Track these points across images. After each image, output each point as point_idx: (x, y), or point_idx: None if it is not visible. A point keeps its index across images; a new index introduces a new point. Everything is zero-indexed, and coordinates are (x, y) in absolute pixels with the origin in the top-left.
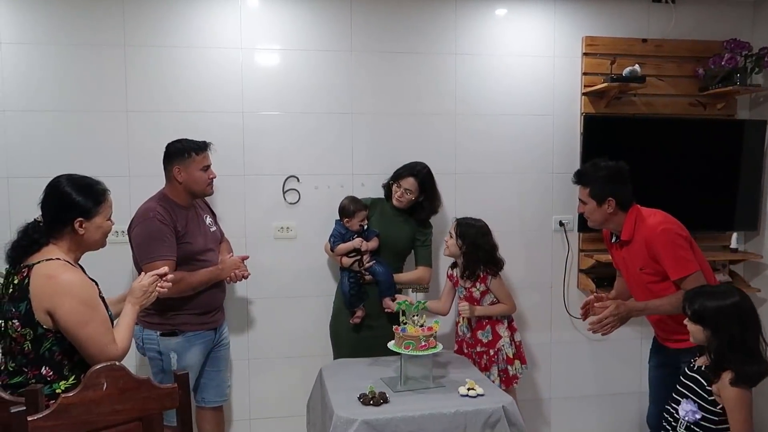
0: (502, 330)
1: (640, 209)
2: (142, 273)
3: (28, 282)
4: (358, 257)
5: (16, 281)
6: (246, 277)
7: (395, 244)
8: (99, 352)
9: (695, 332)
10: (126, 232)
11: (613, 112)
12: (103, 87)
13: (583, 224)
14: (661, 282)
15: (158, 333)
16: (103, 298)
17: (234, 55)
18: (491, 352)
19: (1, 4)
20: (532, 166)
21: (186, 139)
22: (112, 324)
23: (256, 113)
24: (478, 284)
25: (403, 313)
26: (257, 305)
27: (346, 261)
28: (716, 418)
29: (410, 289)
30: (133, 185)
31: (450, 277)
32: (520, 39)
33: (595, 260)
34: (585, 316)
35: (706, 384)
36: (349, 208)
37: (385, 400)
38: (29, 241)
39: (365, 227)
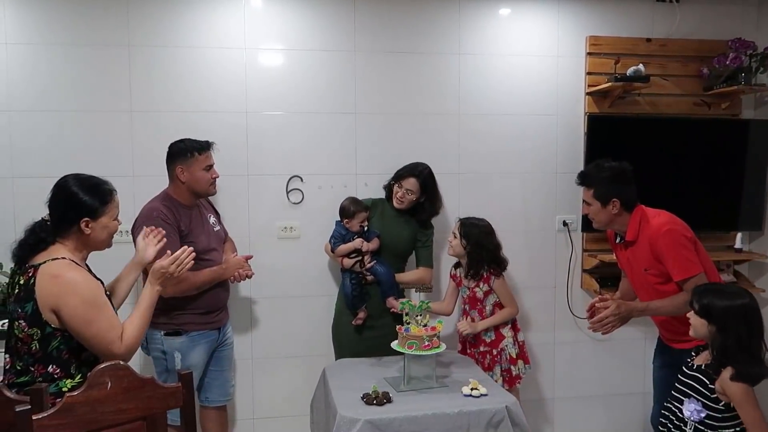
0: (506, 330)
1: (645, 210)
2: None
3: (34, 282)
4: (359, 258)
5: (21, 281)
6: (250, 277)
7: (396, 245)
8: (104, 351)
9: (698, 326)
10: (130, 232)
11: (617, 112)
12: (107, 87)
13: (586, 224)
14: (666, 283)
15: (162, 332)
16: (109, 297)
17: (238, 55)
18: (494, 351)
19: (7, 5)
20: (536, 166)
21: (188, 139)
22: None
23: (259, 113)
24: (481, 284)
25: (406, 314)
26: (261, 305)
27: (347, 262)
28: (720, 416)
29: (413, 290)
30: (137, 185)
31: (453, 277)
32: (524, 39)
33: (599, 260)
34: (591, 317)
35: (708, 383)
36: (349, 209)
37: (389, 400)
38: (36, 240)
39: (366, 228)
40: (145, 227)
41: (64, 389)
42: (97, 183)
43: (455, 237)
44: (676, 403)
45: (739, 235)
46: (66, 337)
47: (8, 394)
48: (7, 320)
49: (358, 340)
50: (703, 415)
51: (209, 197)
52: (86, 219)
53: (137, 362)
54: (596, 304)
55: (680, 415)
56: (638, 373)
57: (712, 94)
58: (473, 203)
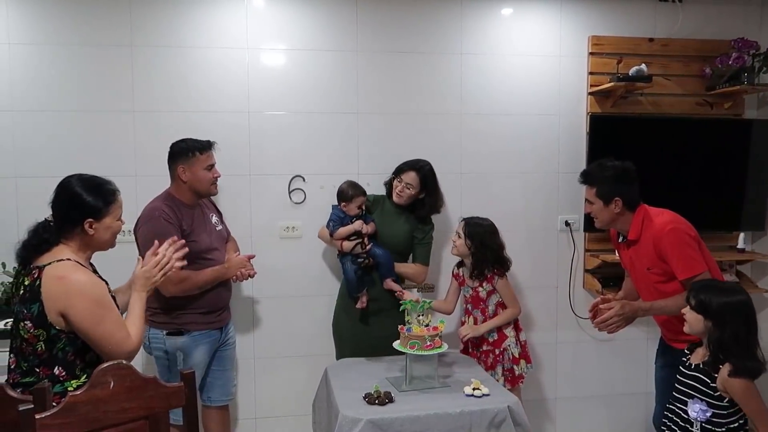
0: (508, 330)
1: (648, 209)
2: (139, 259)
3: (40, 284)
4: (360, 240)
5: (26, 282)
6: (252, 276)
7: (395, 242)
8: (116, 349)
9: (694, 322)
10: (132, 232)
11: (620, 112)
12: (109, 87)
13: (589, 224)
14: (668, 282)
15: (164, 332)
16: (113, 297)
17: (240, 55)
18: (497, 351)
19: (10, 6)
20: (538, 165)
21: (190, 139)
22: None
23: (262, 113)
24: (484, 284)
25: (409, 314)
26: (263, 305)
27: (347, 245)
28: (725, 412)
29: (415, 289)
30: (140, 185)
31: (456, 276)
32: (526, 38)
33: (601, 260)
34: (594, 317)
35: (709, 381)
36: (347, 192)
37: (391, 400)
38: (39, 241)
39: (363, 212)
40: (156, 242)
41: (70, 389)
42: (101, 183)
43: (459, 237)
44: (679, 404)
45: (741, 235)
46: (71, 338)
47: (12, 393)
48: (9, 320)
49: (358, 337)
50: (708, 414)
51: (211, 197)
52: (90, 219)
53: (139, 362)
54: (599, 306)
55: (685, 416)
56: (640, 373)
57: (714, 94)
58: (475, 203)
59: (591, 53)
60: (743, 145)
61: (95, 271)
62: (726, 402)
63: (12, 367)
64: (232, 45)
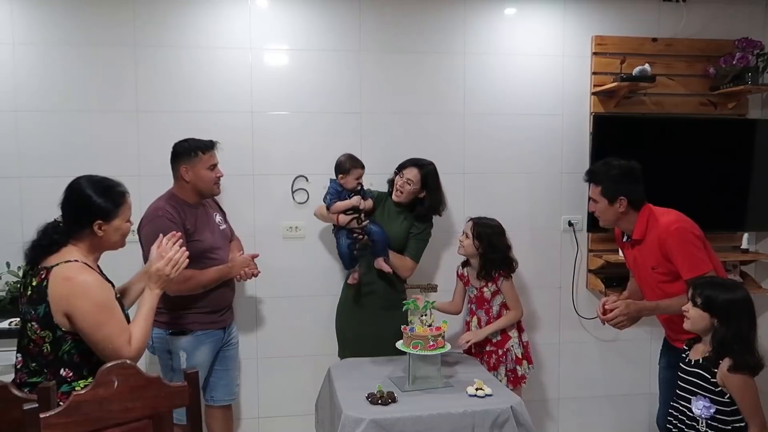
0: (512, 330)
1: (653, 208)
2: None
3: (47, 285)
4: (356, 215)
5: (34, 283)
6: (256, 275)
7: (395, 240)
8: (113, 355)
9: (698, 319)
10: (136, 232)
11: (623, 112)
12: (113, 87)
13: (592, 224)
14: (672, 282)
15: (168, 332)
16: (119, 300)
17: (243, 55)
18: (500, 351)
19: (15, 6)
20: (541, 165)
21: (192, 139)
22: (128, 321)
23: (265, 113)
24: (489, 285)
25: (412, 314)
26: (266, 304)
27: (343, 219)
28: (729, 409)
29: (419, 289)
30: (144, 185)
31: (461, 276)
32: (529, 38)
33: (605, 260)
34: (604, 314)
35: (710, 377)
36: (345, 164)
37: (394, 400)
38: (49, 241)
39: (361, 186)
40: (161, 235)
41: (78, 389)
42: (111, 185)
43: (467, 237)
44: (682, 402)
45: (745, 235)
46: (77, 340)
47: (16, 392)
48: (15, 319)
49: (360, 336)
50: (712, 410)
51: (214, 197)
52: (99, 221)
53: (143, 361)
54: (605, 306)
55: (690, 414)
56: (644, 373)
57: (718, 93)
58: (478, 203)
59: (594, 53)
60: (747, 145)
61: (102, 273)
62: (728, 398)
63: (19, 366)
64: (236, 45)
